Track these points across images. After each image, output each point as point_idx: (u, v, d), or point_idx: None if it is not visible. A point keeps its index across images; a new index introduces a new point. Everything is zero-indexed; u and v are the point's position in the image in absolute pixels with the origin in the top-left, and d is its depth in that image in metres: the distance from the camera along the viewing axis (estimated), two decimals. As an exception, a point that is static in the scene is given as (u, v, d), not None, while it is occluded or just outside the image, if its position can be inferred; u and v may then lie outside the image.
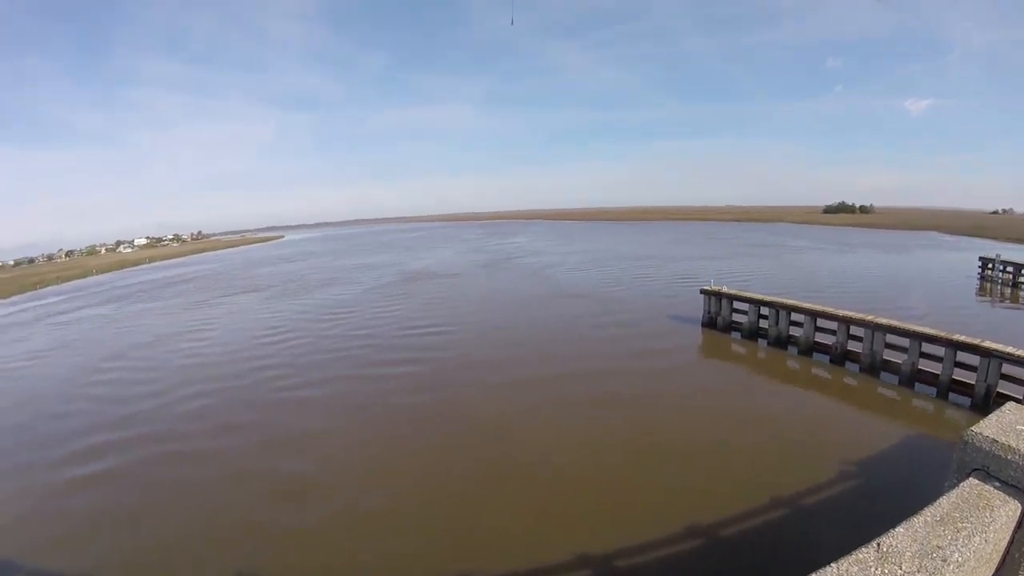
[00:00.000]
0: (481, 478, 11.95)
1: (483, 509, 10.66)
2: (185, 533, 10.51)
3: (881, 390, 16.02)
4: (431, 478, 11.99)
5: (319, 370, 20.71)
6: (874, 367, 16.81)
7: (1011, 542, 2.73)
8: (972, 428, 3.12)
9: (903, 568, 2.26)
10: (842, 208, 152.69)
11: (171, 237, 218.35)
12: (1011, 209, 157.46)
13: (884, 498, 9.95)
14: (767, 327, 20.80)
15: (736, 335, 22.27)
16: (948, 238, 69.39)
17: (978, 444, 3.00)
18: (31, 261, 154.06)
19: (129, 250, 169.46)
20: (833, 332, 18.14)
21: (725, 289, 23.08)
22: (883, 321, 16.56)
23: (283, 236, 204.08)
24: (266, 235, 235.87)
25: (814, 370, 18.14)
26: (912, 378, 15.68)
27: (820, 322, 18.75)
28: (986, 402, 13.66)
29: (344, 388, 18.52)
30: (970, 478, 2.91)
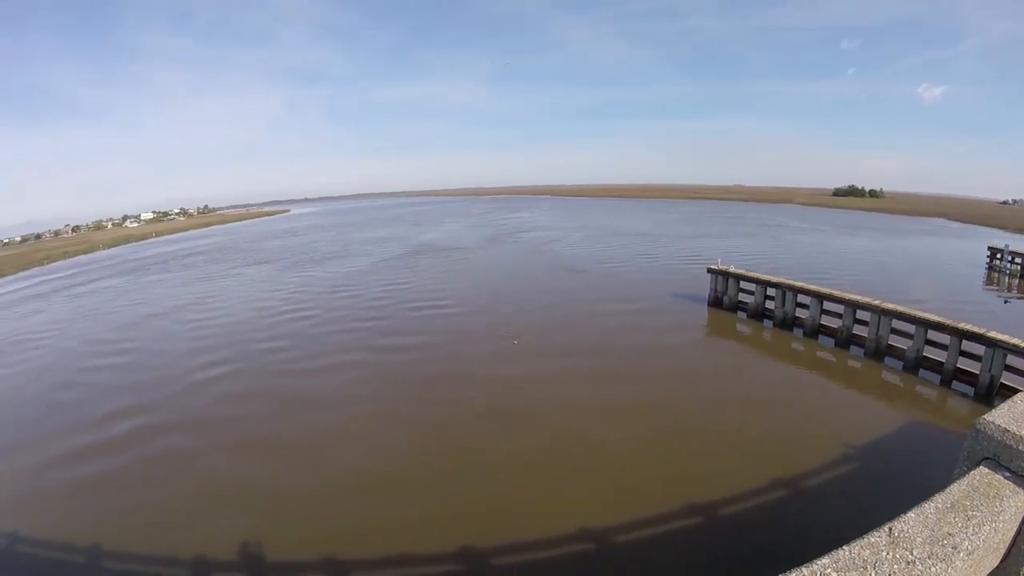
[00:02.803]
0: (490, 445, 12.35)
1: (492, 474, 10.92)
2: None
3: (885, 375, 16.09)
4: (442, 444, 12.28)
5: (333, 339, 21.29)
6: (879, 352, 16.83)
7: (1017, 533, 2.76)
8: (983, 416, 3.12)
9: (914, 554, 2.28)
10: (851, 192, 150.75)
11: (177, 211, 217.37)
12: (1021, 200, 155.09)
13: (887, 483, 10.08)
14: (773, 308, 20.79)
15: (742, 315, 22.29)
16: (956, 226, 68.34)
17: (989, 433, 3.00)
18: (38, 237, 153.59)
19: (135, 225, 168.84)
20: (839, 315, 18.13)
21: (732, 268, 23.00)
22: (889, 306, 16.52)
23: (288, 210, 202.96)
24: (272, 209, 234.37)
25: (819, 353, 18.21)
26: (916, 365, 15.71)
27: (826, 305, 18.73)
28: (990, 392, 13.72)
29: (360, 358, 19.21)
30: (980, 467, 2.92)
